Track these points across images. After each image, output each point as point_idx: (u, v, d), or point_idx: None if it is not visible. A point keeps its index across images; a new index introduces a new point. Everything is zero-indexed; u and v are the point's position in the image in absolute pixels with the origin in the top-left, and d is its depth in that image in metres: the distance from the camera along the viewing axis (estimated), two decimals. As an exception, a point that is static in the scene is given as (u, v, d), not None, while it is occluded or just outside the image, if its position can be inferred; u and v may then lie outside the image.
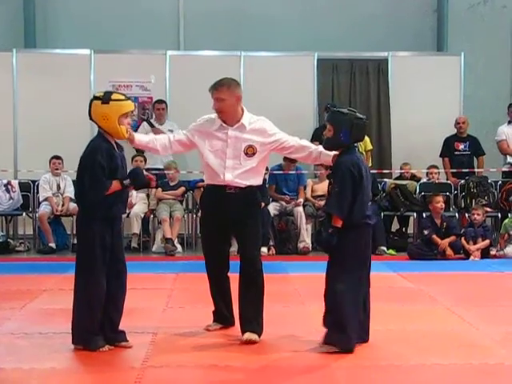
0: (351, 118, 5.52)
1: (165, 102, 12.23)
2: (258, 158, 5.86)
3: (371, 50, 13.30)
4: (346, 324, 5.15)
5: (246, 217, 5.79)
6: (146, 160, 11.37)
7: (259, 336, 5.60)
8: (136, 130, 11.91)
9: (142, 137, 6.32)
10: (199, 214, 10.94)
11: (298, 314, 6.56)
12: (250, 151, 5.84)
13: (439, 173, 11.95)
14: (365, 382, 4.72)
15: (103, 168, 5.38)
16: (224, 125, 5.89)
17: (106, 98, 5.35)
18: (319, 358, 5.12)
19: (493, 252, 10.45)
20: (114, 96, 5.39)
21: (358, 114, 5.64)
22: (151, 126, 12.01)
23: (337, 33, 14.15)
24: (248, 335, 5.56)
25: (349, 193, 5.23)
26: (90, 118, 5.47)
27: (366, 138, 12.02)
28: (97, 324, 5.28)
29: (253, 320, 5.67)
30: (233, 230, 5.93)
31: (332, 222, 5.24)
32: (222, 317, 6.06)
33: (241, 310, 5.76)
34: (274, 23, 14.26)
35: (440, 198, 10.49)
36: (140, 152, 11.63)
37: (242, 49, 12.84)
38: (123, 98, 5.45)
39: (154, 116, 12.38)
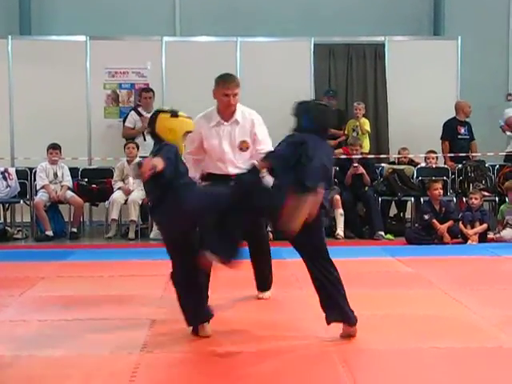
0: (310, 104, 5.48)
1: (152, 90, 12.16)
2: (250, 150, 6.24)
3: (368, 35, 13.28)
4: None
5: None
6: (138, 147, 11.36)
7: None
8: (125, 119, 11.95)
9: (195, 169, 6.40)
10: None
11: (296, 299, 6.56)
12: (244, 146, 6.23)
13: (437, 157, 11.95)
14: (362, 365, 4.73)
15: None
16: (222, 121, 6.24)
17: (175, 113, 5.34)
18: (318, 343, 5.13)
19: (490, 236, 10.46)
20: (180, 113, 5.39)
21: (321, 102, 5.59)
22: (139, 114, 11.97)
23: (333, 17, 14.15)
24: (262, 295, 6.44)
25: None
26: (153, 131, 5.36)
27: (365, 121, 12.04)
28: None
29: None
30: None
31: None
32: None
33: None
34: (270, 8, 14.25)
35: (438, 185, 10.47)
36: (131, 139, 11.66)
37: (238, 34, 12.82)
38: (188, 117, 5.47)
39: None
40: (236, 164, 6.21)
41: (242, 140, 6.23)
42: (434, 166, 11.82)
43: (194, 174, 6.20)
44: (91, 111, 12.54)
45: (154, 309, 6.21)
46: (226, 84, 6.22)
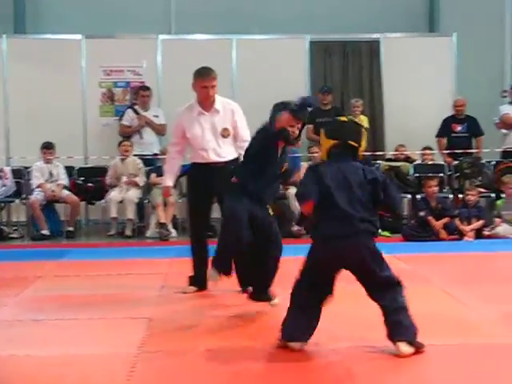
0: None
1: (150, 88, 12.16)
2: (231, 137, 6.70)
3: (363, 32, 13.28)
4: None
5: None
6: (132, 145, 11.40)
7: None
8: (121, 118, 11.95)
9: (170, 177, 7.06)
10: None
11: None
12: (226, 133, 6.66)
13: (433, 153, 11.96)
14: (359, 362, 4.72)
15: None
16: (202, 111, 6.67)
17: None
18: (316, 342, 5.12)
19: (486, 232, 10.47)
20: None
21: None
22: (136, 113, 11.97)
23: (329, 15, 14.13)
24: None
25: None
26: (359, 147, 4.92)
27: (363, 118, 12.03)
28: None
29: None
30: (217, 196, 6.57)
31: None
32: (199, 281, 6.70)
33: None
34: (265, 6, 14.23)
35: (433, 182, 10.47)
36: (126, 138, 11.67)
37: (234, 32, 12.81)
38: None
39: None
40: (218, 151, 6.66)
41: (224, 127, 6.66)
42: (429, 162, 11.82)
43: (172, 165, 6.93)
44: (87, 110, 12.54)
45: (152, 308, 6.21)
46: (203, 77, 6.62)
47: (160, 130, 12.07)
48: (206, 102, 6.67)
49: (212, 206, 6.82)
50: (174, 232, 10.97)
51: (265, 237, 6.00)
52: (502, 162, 11.79)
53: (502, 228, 10.44)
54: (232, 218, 5.83)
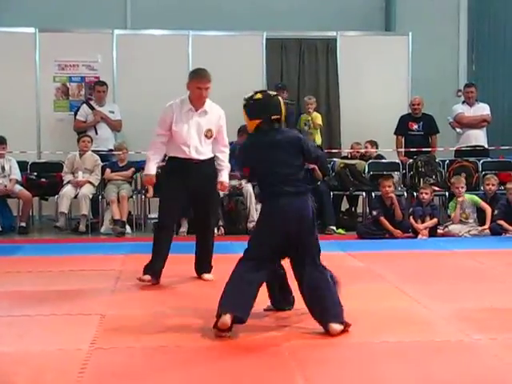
0: None
1: (105, 83, 12.05)
2: (212, 138, 7.01)
3: (320, 30, 13.29)
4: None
5: (207, 183, 6.97)
6: (92, 140, 11.29)
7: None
8: (76, 113, 11.83)
9: (153, 166, 7.15)
10: (148, 194, 11.06)
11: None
12: (209, 134, 6.96)
13: (377, 147, 12.08)
14: (312, 359, 4.73)
15: None
16: (193, 108, 6.92)
17: None
18: (268, 337, 5.12)
19: (440, 231, 10.57)
20: None
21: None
22: (91, 108, 11.86)
23: (285, 12, 14.14)
24: (207, 276, 7.12)
25: None
26: (281, 116, 5.41)
27: (317, 115, 12.04)
28: None
29: (208, 265, 7.18)
30: (193, 193, 6.93)
31: None
32: (154, 270, 6.90)
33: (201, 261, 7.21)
34: (222, 2, 14.21)
35: (387, 182, 10.52)
36: (83, 132, 11.56)
37: (190, 28, 12.74)
38: None
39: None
40: (199, 149, 6.92)
41: (208, 128, 6.95)
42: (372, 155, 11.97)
43: (156, 154, 7.07)
44: (40, 104, 12.38)
45: (104, 304, 6.15)
46: (199, 79, 6.87)
47: (115, 126, 11.98)
48: (197, 102, 6.92)
49: (185, 200, 7.04)
50: (128, 228, 10.89)
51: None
52: (456, 161, 11.91)
53: (454, 226, 10.54)
54: None
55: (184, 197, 6.96)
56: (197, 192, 6.91)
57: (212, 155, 7.06)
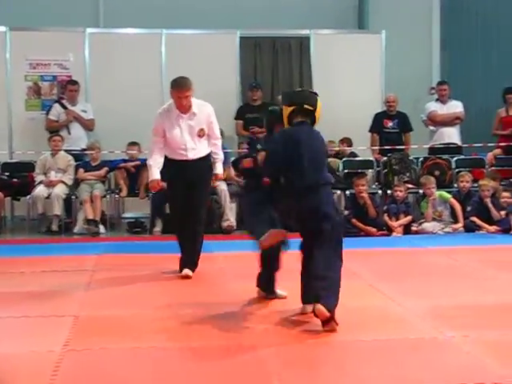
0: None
1: (78, 82, 11.96)
2: (206, 135, 7.34)
3: (294, 28, 13.27)
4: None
5: (202, 175, 7.33)
6: (63, 140, 11.21)
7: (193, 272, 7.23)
8: (48, 112, 11.73)
9: (156, 171, 7.32)
10: (122, 194, 11.03)
11: (223, 292, 6.52)
12: (202, 133, 7.27)
13: (351, 145, 12.11)
14: (288, 358, 4.71)
15: None
16: (180, 114, 7.20)
17: None
18: (247, 337, 5.10)
19: (414, 228, 10.59)
20: None
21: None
22: (63, 107, 11.77)
23: (259, 10, 14.12)
24: (186, 271, 7.20)
25: None
26: (314, 110, 5.63)
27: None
28: None
29: (192, 261, 7.29)
30: (189, 185, 7.20)
31: None
32: (189, 262, 7.25)
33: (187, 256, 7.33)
34: (195, 0, 14.14)
35: (361, 181, 10.53)
36: (55, 132, 11.47)
37: (163, 26, 12.67)
38: None
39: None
40: (195, 150, 7.26)
41: (200, 128, 7.26)
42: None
43: (157, 160, 7.26)
44: (12, 104, 12.26)
45: (78, 305, 6.10)
46: (178, 89, 7.13)
47: (88, 125, 11.89)
48: (181, 110, 7.21)
49: (189, 196, 7.29)
50: (102, 228, 10.83)
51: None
52: (430, 159, 11.95)
53: (427, 224, 10.57)
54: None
55: (187, 192, 7.26)
56: (192, 183, 7.21)
57: (208, 151, 7.39)
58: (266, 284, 6.09)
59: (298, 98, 5.67)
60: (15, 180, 11.32)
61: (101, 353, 4.79)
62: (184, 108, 7.19)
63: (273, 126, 5.94)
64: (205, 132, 7.30)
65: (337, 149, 12.17)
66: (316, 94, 5.79)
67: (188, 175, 7.21)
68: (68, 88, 11.90)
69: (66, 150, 11.27)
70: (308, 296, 5.45)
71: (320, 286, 5.21)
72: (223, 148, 11.09)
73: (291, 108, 5.59)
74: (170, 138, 7.21)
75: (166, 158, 7.35)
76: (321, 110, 5.62)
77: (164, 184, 7.41)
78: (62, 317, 5.69)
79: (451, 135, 12.40)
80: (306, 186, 5.40)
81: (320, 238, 5.34)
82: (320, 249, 5.31)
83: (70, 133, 11.70)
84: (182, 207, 7.33)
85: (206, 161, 7.40)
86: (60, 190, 10.85)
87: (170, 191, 7.49)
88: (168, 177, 7.42)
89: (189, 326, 5.43)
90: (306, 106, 5.57)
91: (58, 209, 10.78)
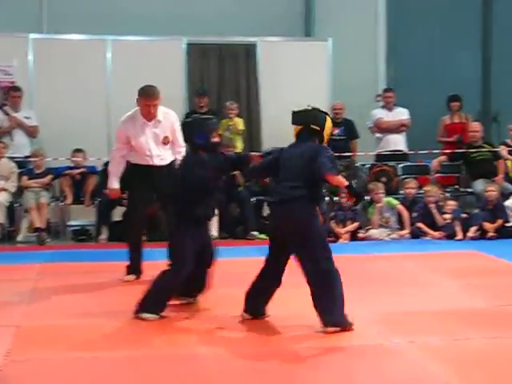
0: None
1: (20, 89, 11.77)
2: (170, 142, 7.44)
3: (241, 35, 13.26)
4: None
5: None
6: (7, 147, 11.04)
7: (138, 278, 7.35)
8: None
9: (116, 180, 7.53)
10: (67, 201, 10.89)
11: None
12: (166, 141, 7.38)
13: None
14: (231, 369, 4.68)
15: None
16: (146, 121, 7.30)
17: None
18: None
19: (361, 235, 10.64)
20: None
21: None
22: (6, 113, 11.59)
23: (206, 17, 14.08)
24: (129, 277, 7.31)
25: None
26: (322, 130, 5.84)
27: (239, 121, 12.01)
28: None
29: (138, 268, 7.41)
30: (156, 192, 7.38)
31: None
32: (135, 268, 7.39)
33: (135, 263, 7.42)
34: (141, 7, 14.07)
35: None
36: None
37: (108, 33, 12.55)
38: None
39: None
40: (160, 157, 7.39)
41: (165, 135, 7.38)
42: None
43: (118, 168, 7.45)
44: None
45: (20, 315, 6.00)
46: (146, 97, 7.22)
47: (32, 132, 11.71)
48: (147, 117, 7.30)
49: (152, 201, 7.61)
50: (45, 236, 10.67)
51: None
52: (376, 165, 12.03)
53: (374, 231, 10.63)
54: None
55: (150, 198, 7.50)
56: (155, 190, 7.35)
57: (173, 158, 7.44)
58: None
59: (306, 119, 5.88)
60: (-43, 188, 11.10)
61: (43, 363, 4.72)
62: (150, 116, 7.28)
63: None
64: (169, 139, 7.41)
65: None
66: (326, 113, 5.96)
67: (152, 181, 7.32)
68: (11, 94, 11.71)
69: (9, 157, 11.09)
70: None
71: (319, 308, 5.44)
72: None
73: (299, 128, 5.89)
74: (135, 145, 7.33)
75: (129, 163, 7.47)
76: (329, 128, 5.85)
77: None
78: (4, 327, 5.60)
79: (397, 142, 12.51)
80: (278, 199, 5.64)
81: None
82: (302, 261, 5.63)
83: (12, 139, 11.52)
84: (141, 213, 7.48)
85: (170, 168, 7.43)
86: (3, 198, 10.66)
87: (132, 196, 7.60)
88: (131, 181, 7.52)
89: (133, 335, 5.37)
90: (312, 127, 5.77)
91: (0, 217, 10.59)
